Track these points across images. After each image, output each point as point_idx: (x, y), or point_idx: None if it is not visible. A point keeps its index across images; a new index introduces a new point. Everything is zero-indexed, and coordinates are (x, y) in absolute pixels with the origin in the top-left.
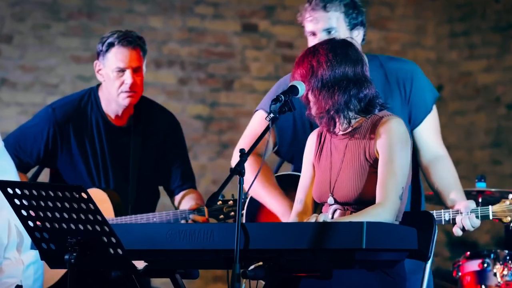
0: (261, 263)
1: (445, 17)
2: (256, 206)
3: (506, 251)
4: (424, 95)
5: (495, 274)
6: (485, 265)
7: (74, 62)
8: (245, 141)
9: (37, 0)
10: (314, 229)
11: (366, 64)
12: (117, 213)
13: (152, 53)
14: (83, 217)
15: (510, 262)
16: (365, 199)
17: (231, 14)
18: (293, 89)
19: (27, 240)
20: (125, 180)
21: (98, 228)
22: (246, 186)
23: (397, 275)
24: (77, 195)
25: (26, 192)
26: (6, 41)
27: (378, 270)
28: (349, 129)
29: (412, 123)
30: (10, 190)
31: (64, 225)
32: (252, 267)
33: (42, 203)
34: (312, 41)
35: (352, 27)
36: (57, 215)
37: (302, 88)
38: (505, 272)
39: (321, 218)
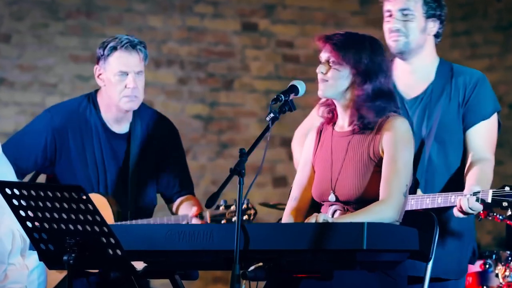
0: (261, 264)
1: (446, 16)
2: None
3: (508, 252)
4: (484, 103)
5: (496, 275)
6: (487, 266)
7: (72, 62)
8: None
9: None
10: (315, 230)
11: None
12: (117, 219)
13: (152, 53)
14: (81, 217)
15: None
16: (367, 198)
17: (231, 13)
18: (294, 89)
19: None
20: (124, 186)
21: (97, 228)
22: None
23: (398, 276)
24: (76, 196)
25: (25, 192)
26: (4, 40)
27: (379, 271)
28: (352, 127)
29: (464, 125)
30: (8, 191)
31: (62, 226)
32: (252, 268)
33: (41, 204)
34: (387, 23)
35: (429, 16)
36: (56, 215)
37: (302, 87)
38: (506, 273)
39: (321, 218)
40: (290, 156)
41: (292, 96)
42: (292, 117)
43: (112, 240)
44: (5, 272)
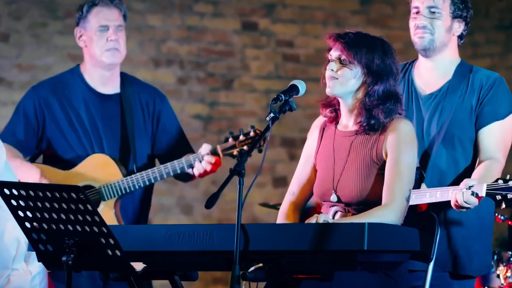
0: (261, 264)
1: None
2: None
3: (510, 253)
4: (499, 104)
5: (498, 276)
6: None
7: (71, 61)
8: None
9: None
10: (315, 230)
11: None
12: (125, 175)
13: (151, 52)
14: (80, 218)
15: None
16: (368, 201)
17: (231, 12)
18: (294, 88)
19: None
20: (122, 147)
21: (96, 229)
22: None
23: (399, 276)
24: (75, 196)
25: (23, 192)
26: (2, 39)
27: (379, 272)
28: (357, 127)
29: (478, 124)
30: (6, 191)
31: (61, 226)
32: (252, 268)
33: (39, 204)
34: (414, 19)
35: (455, 16)
36: (55, 216)
37: (302, 87)
38: (508, 274)
39: (322, 219)
40: (290, 156)
41: (292, 96)
42: (292, 117)
43: (111, 241)
44: (8, 277)
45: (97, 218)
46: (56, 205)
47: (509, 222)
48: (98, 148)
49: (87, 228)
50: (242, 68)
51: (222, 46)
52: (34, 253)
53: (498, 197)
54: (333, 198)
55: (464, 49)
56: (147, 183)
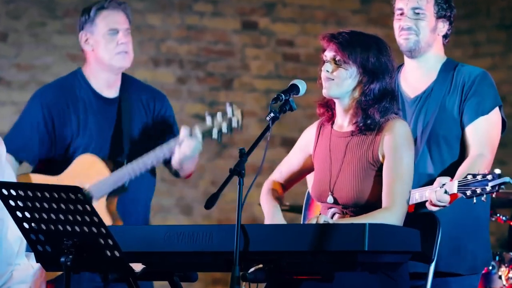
0: (261, 265)
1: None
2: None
3: (511, 254)
4: (482, 98)
5: (500, 277)
6: (490, 267)
7: (70, 60)
8: None
9: None
10: (315, 231)
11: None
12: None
13: (150, 51)
14: (79, 218)
15: None
16: (365, 203)
17: (231, 12)
18: (294, 88)
19: None
20: (120, 149)
21: (94, 230)
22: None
23: (400, 277)
24: (73, 196)
25: (21, 193)
26: (1, 39)
27: (380, 273)
28: (353, 127)
29: (463, 122)
30: (5, 191)
31: (60, 227)
32: (252, 269)
33: (38, 204)
34: (398, 20)
35: (439, 16)
36: (53, 216)
37: (303, 87)
38: (510, 275)
39: (322, 219)
40: None
41: (292, 96)
42: (293, 116)
43: (110, 242)
44: (11, 273)
45: (96, 219)
46: (55, 206)
47: (511, 223)
48: (100, 151)
49: (85, 228)
50: (242, 68)
51: (222, 45)
52: None
53: (468, 193)
54: (330, 199)
55: (465, 49)
56: (133, 175)
